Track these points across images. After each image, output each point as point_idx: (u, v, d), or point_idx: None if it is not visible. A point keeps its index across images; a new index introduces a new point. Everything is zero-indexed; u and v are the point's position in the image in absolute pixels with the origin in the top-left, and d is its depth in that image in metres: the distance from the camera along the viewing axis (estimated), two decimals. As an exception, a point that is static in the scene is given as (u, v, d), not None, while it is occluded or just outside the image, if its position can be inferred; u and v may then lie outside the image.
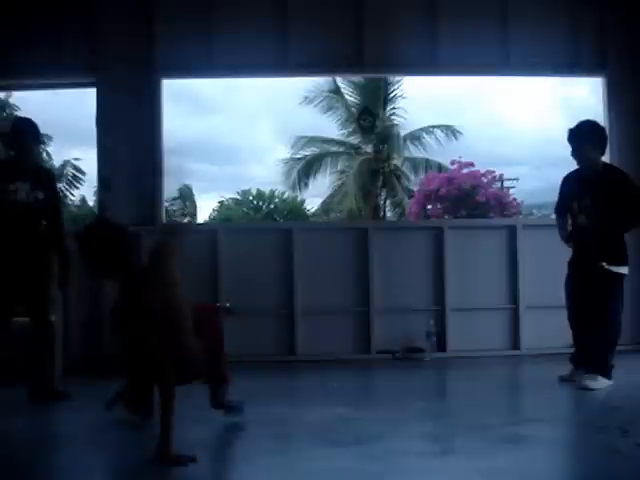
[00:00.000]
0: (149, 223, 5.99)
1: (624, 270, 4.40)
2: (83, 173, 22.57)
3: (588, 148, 4.43)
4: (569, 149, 4.53)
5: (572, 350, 4.73)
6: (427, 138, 20.97)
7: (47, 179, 4.55)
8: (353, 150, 21.55)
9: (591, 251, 4.42)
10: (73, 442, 3.40)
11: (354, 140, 21.40)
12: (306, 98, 20.63)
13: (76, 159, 22.76)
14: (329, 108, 20.93)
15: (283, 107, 39.86)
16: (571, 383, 4.49)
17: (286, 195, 28.25)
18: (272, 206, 30.18)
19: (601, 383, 4.31)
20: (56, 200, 4.63)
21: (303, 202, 27.81)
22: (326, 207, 22.89)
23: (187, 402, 4.28)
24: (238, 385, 5.05)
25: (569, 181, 4.69)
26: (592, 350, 4.41)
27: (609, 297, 4.36)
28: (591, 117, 4.69)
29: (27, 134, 4.42)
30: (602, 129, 4.55)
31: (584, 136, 4.44)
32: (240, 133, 44.36)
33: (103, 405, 3.59)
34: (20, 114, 18.36)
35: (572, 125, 4.53)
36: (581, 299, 4.54)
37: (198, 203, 28.46)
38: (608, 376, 4.36)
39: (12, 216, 4.27)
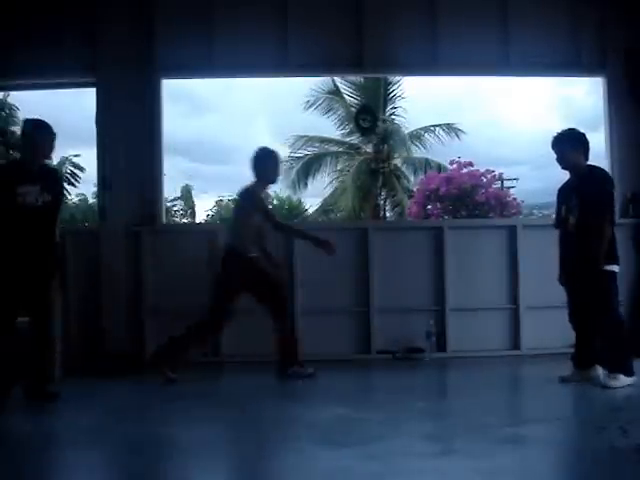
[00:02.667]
0: (149, 223, 6.01)
1: (615, 268, 4.46)
2: (82, 170, 22.41)
3: (569, 152, 4.61)
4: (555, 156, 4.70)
5: (573, 349, 4.74)
6: (427, 137, 20.93)
7: (55, 181, 4.53)
8: (353, 150, 21.51)
9: (581, 250, 4.47)
10: (72, 442, 3.40)
11: (354, 140, 21.33)
12: (308, 102, 20.56)
13: (75, 155, 22.61)
14: (329, 109, 20.87)
15: (281, 106, 39.85)
16: (571, 383, 4.51)
17: (283, 195, 28.17)
18: (270, 206, 30.05)
19: (623, 381, 4.33)
20: (59, 203, 4.57)
21: (300, 202, 27.76)
22: (326, 207, 22.82)
23: (187, 402, 4.31)
24: (239, 385, 5.10)
25: (562, 191, 4.81)
26: (606, 351, 4.45)
27: (603, 295, 4.42)
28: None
29: (40, 134, 4.38)
30: (581, 134, 4.67)
31: (564, 141, 4.65)
32: (238, 133, 44.31)
33: None
34: (18, 114, 18.37)
35: (567, 128, 4.72)
36: (577, 299, 4.60)
37: (196, 203, 28.44)
38: (629, 373, 4.37)
39: (20, 220, 4.19)
